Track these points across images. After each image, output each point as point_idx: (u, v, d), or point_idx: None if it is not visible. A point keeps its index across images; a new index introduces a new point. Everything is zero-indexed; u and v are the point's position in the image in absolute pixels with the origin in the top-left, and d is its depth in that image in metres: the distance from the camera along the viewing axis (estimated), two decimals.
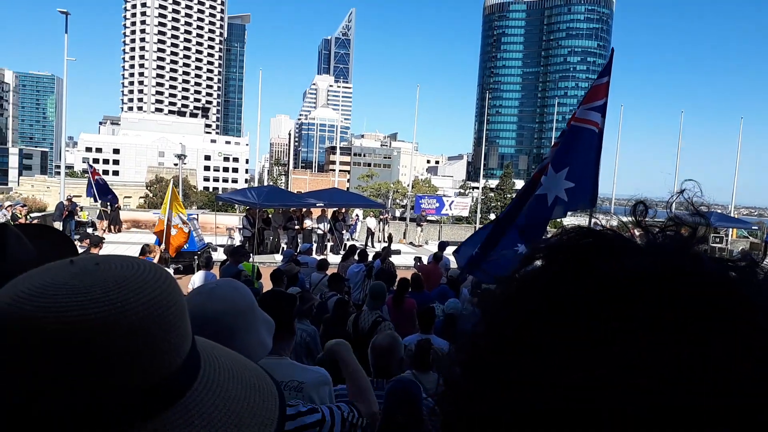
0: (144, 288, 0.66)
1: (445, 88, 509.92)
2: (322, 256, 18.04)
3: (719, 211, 32.09)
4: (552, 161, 5.29)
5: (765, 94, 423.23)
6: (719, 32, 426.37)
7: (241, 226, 19.08)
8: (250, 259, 10.55)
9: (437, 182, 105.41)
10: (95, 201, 22.97)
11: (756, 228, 28.79)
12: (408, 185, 42.63)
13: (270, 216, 19.95)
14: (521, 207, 5.55)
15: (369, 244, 22.30)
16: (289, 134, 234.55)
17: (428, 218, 28.73)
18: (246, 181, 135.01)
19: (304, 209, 20.01)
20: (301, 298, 4.88)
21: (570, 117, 5.64)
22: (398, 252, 20.14)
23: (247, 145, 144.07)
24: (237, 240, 19.19)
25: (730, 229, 26.58)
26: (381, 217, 25.51)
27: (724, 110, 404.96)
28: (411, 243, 25.91)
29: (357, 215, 24.96)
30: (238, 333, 1.51)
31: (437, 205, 28.51)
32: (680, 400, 0.38)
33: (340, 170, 59.60)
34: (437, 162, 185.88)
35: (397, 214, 39.90)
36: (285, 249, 16.05)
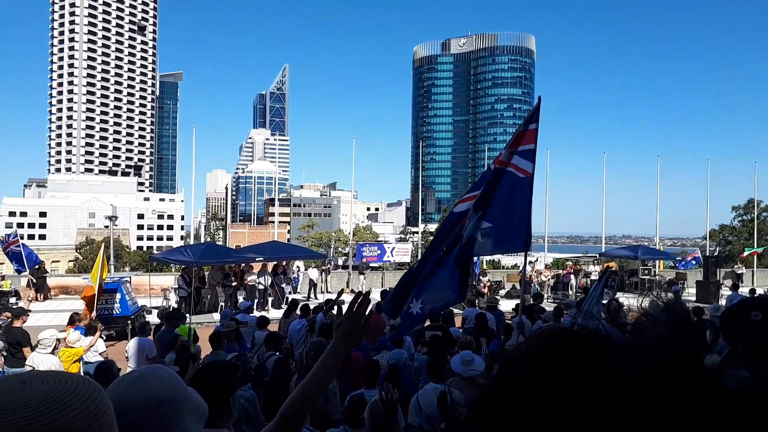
0: (72, 402, 0.67)
1: (381, 136, 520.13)
2: (263, 312, 17.68)
3: (646, 243, 33.77)
4: (475, 204, 5.44)
5: (678, 133, 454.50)
6: (633, 76, 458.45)
7: (177, 286, 18.47)
8: (187, 321, 10.20)
9: (378, 229, 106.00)
10: (19, 273, 22.23)
11: (679, 258, 30.42)
12: (349, 233, 42.65)
13: (207, 274, 19.43)
14: (448, 249, 5.61)
15: (312, 296, 22.00)
16: (226, 188, 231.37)
17: (371, 266, 28.72)
18: (182, 238, 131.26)
19: (243, 264, 19.62)
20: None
21: (494, 160, 5.82)
22: (342, 302, 19.93)
23: (182, 201, 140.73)
24: (173, 301, 18.50)
25: (657, 261, 27.89)
26: (323, 267, 25.29)
27: (642, 150, 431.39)
28: (353, 291, 25.74)
29: (298, 267, 24.67)
30: (158, 424, 1.48)
31: (379, 252, 28.62)
32: (647, 429, 0.39)
33: (279, 222, 58.98)
34: (377, 209, 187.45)
35: (340, 262, 39.65)
36: (223, 308, 15.61)
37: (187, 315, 16.37)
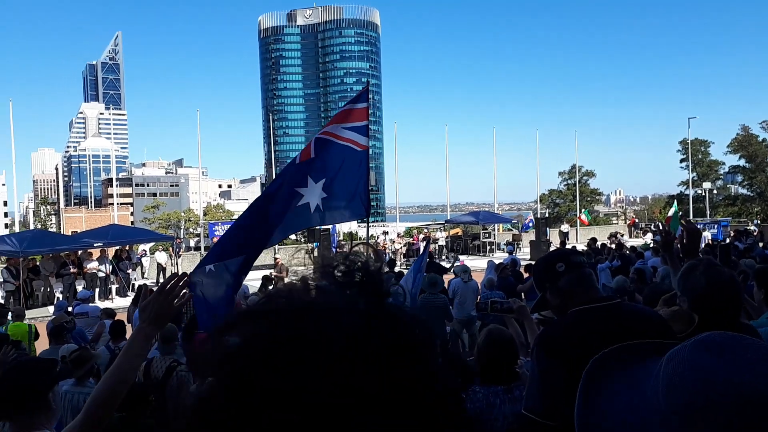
0: None
1: (230, 109, 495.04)
2: (107, 302, 16.46)
3: (487, 209, 36.54)
4: (311, 173, 5.55)
5: (511, 105, 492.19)
6: (470, 51, 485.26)
7: (2, 280, 16.64)
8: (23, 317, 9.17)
9: (232, 206, 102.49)
10: None
11: (515, 222, 33.40)
12: (200, 212, 40.87)
13: (38, 264, 17.62)
14: (267, 218, 5.60)
15: (161, 280, 20.87)
16: (57, 169, 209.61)
17: None
18: (7, 226, 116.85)
19: (80, 251, 18.08)
20: (76, 359, 4.40)
21: (321, 130, 5.98)
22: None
23: (3, 185, 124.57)
24: None
25: (497, 224, 30.32)
26: (172, 250, 24.05)
27: (480, 122, 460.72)
28: None
29: (144, 251, 23.19)
30: None
31: None
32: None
33: (120, 203, 54.84)
34: (230, 186, 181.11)
35: (192, 244, 37.96)
36: (59, 299, 14.29)
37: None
